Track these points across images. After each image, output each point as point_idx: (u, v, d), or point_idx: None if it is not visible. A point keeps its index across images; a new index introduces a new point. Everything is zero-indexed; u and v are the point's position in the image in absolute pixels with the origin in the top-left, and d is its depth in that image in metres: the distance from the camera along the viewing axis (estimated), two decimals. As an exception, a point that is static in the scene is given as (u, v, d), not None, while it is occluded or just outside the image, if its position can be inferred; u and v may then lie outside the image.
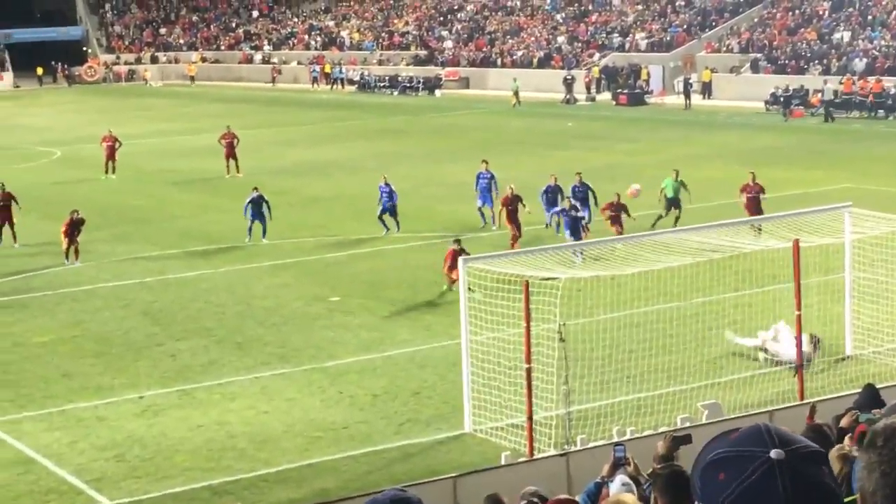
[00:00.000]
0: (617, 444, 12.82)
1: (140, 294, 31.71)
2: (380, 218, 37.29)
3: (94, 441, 21.36)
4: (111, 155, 52.93)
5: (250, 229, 37.11)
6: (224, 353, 26.17)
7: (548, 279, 22.04)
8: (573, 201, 33.98)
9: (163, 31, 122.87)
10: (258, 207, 37.11)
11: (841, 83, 67.62)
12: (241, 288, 31.99)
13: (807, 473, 3.18)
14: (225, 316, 29.21)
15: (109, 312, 29.88)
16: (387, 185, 37.44)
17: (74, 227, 35.41)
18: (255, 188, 37.86)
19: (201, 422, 22.06)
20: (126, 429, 21.84)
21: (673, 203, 36.21)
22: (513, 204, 34.63)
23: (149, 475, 19.82)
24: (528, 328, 19.78)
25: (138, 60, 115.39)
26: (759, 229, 26.70)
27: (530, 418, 19.77)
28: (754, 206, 34.08)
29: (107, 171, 52.66)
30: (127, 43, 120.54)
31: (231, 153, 51.64)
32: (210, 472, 19.84)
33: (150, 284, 32.74)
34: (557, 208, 34.62)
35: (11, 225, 38.12)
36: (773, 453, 3.16)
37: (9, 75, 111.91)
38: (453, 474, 16.82)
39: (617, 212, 33.75)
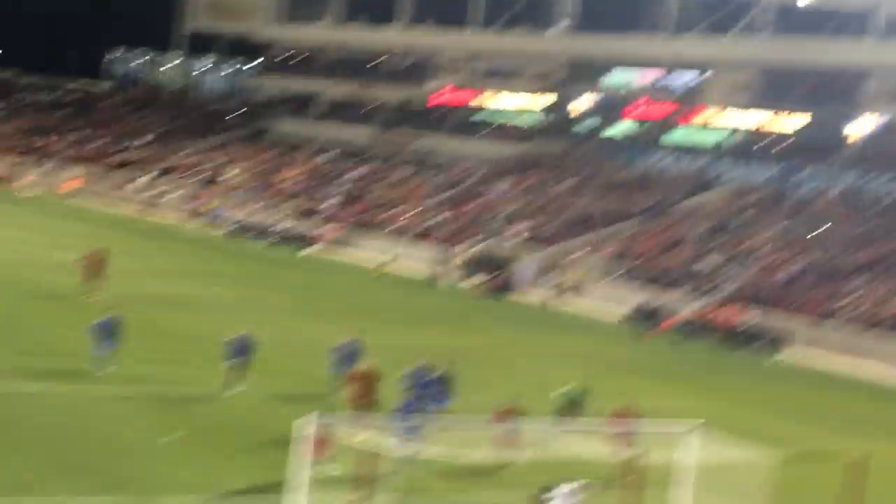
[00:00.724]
0: None
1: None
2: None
3: None
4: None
5: (99, 357, 36.21)
6: (53, 473, 25.51)
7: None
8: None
9: (46, 140, 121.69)
10: (108, 332, 36.17)
11: (702, 309, 69.18)
12: (82, 411, 31.35)
13: None
14: (60, 437, 28.53)
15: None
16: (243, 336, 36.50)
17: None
18: (110, 312, 37.16)
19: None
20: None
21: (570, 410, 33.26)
22: (367, 381, 32.84)
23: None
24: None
25: (16, 165, 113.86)
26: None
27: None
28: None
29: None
30: (9, 146, 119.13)
31: (94, 274, 51.07)
32: None
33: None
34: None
35: None
36: None
37: None
38: None
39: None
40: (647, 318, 69.20)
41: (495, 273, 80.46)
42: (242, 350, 36.05)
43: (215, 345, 36.41)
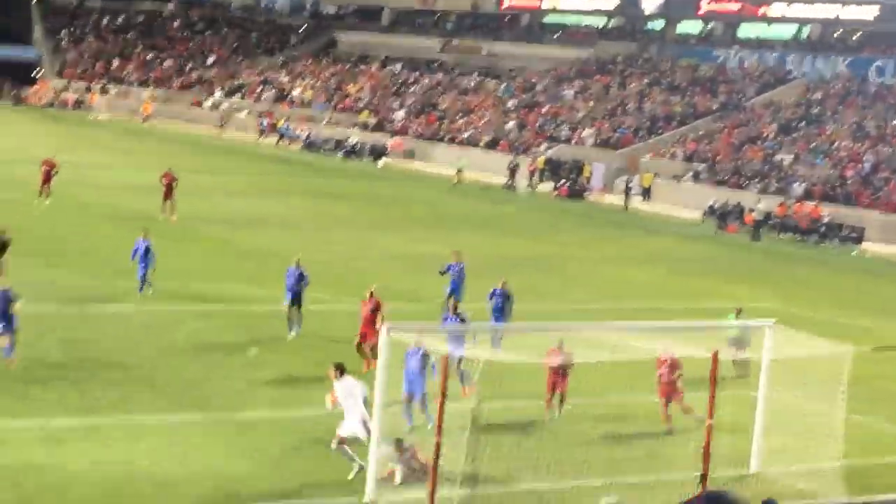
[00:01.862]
0: None
1: (58, 322, 31.38)
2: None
3: (-10, 464, 21.05)
4: (47, 180, 52.70)
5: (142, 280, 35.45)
6: (136, 391, 25.93)
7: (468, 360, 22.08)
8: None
9: (116, 64, 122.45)
10: (146, 254, 35.49)
11: (779, 205, 68.67)
12: (163, 329, 31.76)
13: None
14: (142, 354, 28.95)
15: (24, 337, 29.42)
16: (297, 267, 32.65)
17: (0, 247, 35.10)
18: (144, 232, 36.23)
19: (104, 457, 21.78)
20: (25, 455, 21.52)
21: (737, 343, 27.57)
22: (375, 309, 29.02)
23: (43, 505, 19.56)
24: (442, 404, 19.80)
25: (88, 90, 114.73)
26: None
27: (432, 495, 19.73)
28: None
29: (41, 195, 52.34)
30: (79, 71, 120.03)
31: (169, 194, 51.42)
32: (104, 509, 19.60)
33: (68, 313, 32.44)
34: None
35: None
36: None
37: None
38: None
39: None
40: (723, 216, 68.81)
41: (568, 177, 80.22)
42: (298, 281, 32.52)
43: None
